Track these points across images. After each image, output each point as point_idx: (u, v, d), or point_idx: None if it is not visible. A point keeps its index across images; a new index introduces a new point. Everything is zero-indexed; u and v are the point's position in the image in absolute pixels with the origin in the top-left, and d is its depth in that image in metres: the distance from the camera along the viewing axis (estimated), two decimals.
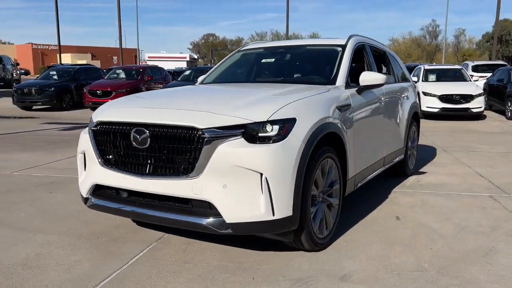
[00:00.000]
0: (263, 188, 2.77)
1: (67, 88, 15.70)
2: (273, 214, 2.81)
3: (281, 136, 2.86)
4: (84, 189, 3.38)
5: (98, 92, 14.51)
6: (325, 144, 3.28)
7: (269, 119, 2.86)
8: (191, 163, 2.85)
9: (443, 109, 12.27)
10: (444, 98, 12.27)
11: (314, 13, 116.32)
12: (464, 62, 20.23)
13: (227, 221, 2.80)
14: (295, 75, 4.55)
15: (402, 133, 5.37)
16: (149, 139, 2.95)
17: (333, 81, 3.95)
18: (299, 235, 3.09)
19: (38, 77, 18.16)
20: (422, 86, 12.84)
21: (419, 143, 6.59)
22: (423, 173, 5.92)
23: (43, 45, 65.24)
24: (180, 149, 2.88)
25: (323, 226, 3.32)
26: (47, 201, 4.57)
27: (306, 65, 4.67)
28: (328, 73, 4.12)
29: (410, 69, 15.50)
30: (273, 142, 2.83)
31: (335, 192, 3.51)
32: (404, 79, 5.96)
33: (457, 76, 13.98)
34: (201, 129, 2.80)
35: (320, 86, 3.78)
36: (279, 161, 2.81)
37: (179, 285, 2.78)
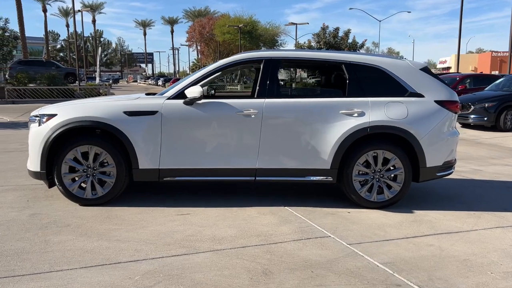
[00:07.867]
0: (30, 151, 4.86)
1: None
2: (34, 168, 4.81)
3: (43, 123, 4.76)
4: None
5: None
6: (80, 136, 4.74)
7: (42, 113, 4.85)
8: None
9: None
10: None
11: None
12: None
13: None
14: None
15: (326, 154, 4.75)
16: None
17: (164, 93, 4.94)
18: (59, 188, 4.80)
19: None
20: None
21: None
22: (400, 210, 4.80)
23: (503, 52, 63.81)
24: None
25: (88, 190, 4.76)
26: None
27: None
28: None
29: None
30: (38, 126, 4.80)
31: (111, 172, 4.75)
32: (386, 94, 4.87)
33: None
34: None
35: (138, 96, 5.08)
36: (32, 138, 4.80)
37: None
